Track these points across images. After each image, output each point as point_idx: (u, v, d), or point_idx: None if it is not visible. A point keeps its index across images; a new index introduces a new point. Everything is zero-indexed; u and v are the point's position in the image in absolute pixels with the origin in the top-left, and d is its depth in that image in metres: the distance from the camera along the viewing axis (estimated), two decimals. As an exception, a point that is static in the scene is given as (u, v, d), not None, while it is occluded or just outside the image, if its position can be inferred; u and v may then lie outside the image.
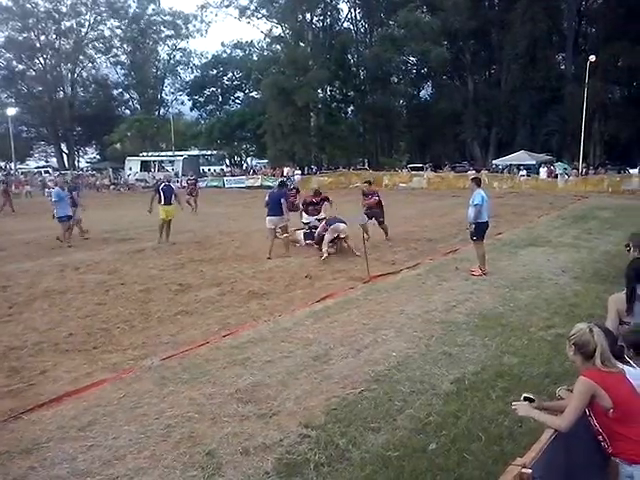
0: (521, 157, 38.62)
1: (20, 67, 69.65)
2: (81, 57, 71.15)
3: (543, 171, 34.20)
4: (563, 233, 14.55)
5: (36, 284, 9.88)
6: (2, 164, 68.43)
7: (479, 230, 9.77)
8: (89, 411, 4.85)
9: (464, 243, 12.62)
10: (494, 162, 41.98)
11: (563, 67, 49.07)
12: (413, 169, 41.66)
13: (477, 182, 10.22)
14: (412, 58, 53.20)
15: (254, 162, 66.06)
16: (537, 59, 45.03)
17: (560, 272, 9.84)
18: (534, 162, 37.45)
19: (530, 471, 2.35)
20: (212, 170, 52.12)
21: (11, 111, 58.82)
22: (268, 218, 12.15)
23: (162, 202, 13.62)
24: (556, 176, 33.09)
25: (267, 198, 12.52)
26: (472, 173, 29.63)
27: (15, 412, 4.86)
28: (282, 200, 12.16)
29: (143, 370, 5.72)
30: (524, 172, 34.98)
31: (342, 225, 11.72)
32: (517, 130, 47.37)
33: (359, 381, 5.29)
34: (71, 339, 6.85)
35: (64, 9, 68.90)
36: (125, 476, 3.88)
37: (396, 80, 54.92)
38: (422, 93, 58.05)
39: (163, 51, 73.77)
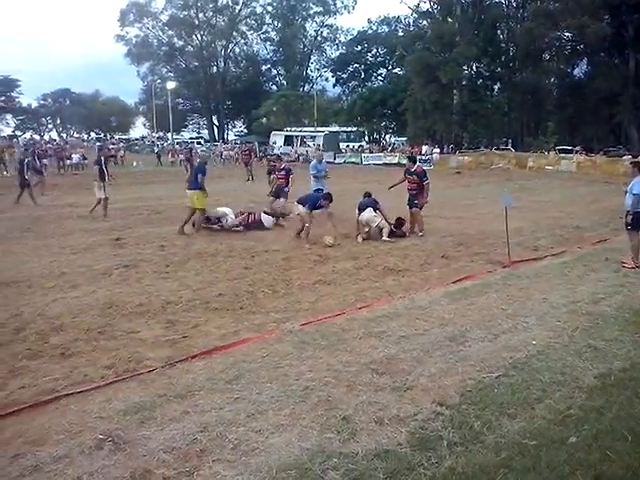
0: (688, 142, 34.93)
1: (180, 43, 74.69)
2: (234, 33, 74.66)
3: None
4: None
5: (189, 245, 10.73)
6: (161, 133, 74.18)
7: (637, 219, 9.05)
8: (235, 366, 5.20)
9: (615, 233, 11.78)
10: (655, 147, 38.38)
11: None
12: (561, 151, 39.20)
13: (638, 167, 9.40)
14: (567, 33, 49.51)
15: (393, 139, 65.76)
16: None
17: None
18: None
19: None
20: (351, 146, 52.56)
21: (170, 85, 63.34)
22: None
23: None
24: None
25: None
26: (628, 158, 27.32)
27: (172, 360, 5.35)
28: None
29: (284, 333, 6.02)
30: (691, 159, 31.62)
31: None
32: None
33: (496, 366, 5.19)
34: (220, 298, 7.36)
35: (222, -13, 72.52)
36: (267, 430, 4.12)
37: (548, 57, 51.78)
38: (576, 71, 54.02)
39: (311, 27, 75.56)
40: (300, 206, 11.40)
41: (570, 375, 5.01)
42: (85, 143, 68.21)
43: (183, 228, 12.11)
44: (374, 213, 11.68)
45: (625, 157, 31.56)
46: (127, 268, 8.98)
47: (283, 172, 14.73)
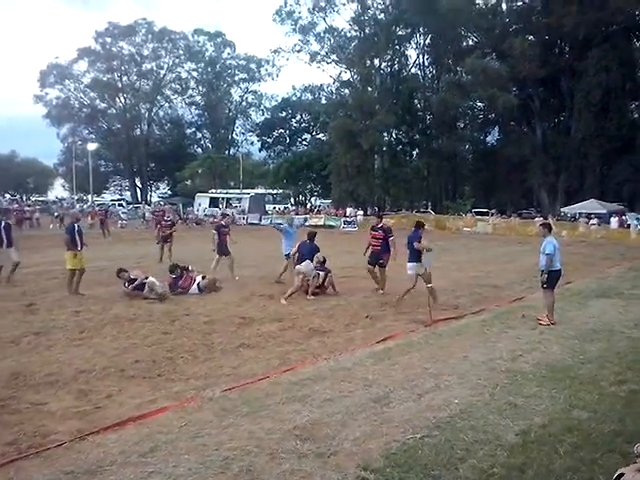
0: (591, 206, 37.57)
1: (102, 105, 74.03)
2: (159, 97, 74.96)
3: (614, 221, 33.05)
4: (636, 285, 13.88)
5: (106, 310, 10.27)
6: (82, 195, 72.30)
7: (551, 278, 9.50)
8: (151, 437, 4.93)
9: (531, 291, 12.30)
10: (563, 210, 40.95)
11: (636, 116, 47.80)
12: (477, 214, 41.13)
13: (548, 228, 9.98)
14: (479, 103, 53.29)
15: (318, 202, 66.96)
16: (610, 107, 44.02)
17: (633, 325, 9.38)
18: (605, 211, 36.32)
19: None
20: (277, 208, 53.06)
21: (92, 146, 62.26)
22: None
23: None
24: (628, 226, 31.90)
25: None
26: (539, 220, 28.99)
27: (82, 433, 5.00)
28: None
29: (204, 400, 5.79)
30: (595, 221, 33.86)
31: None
32: (586, 178, 46.18)
33: (420, 426, 5.17)
34: (137, 365, 7.04)
35: (146, 52, 73.44)
36: (183, 505, 3.91)
37: (462, 125, 55.09)
38: (489, 138, 57.89)
39: (236, 93, 77.02)
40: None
41: (492, 433, 5.05)
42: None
43: (76, 290, 11.91)
44: (311, 266, 11.76)
45: (537, 219, 33.48)
46: (37, 335, 8.46)
47: (227, 229, 14.95)
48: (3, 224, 13.46)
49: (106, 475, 4.30)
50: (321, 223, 39.59)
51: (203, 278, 12.35)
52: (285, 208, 54.19)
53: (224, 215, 18.83)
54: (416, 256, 10.92)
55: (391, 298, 11.58)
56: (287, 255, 13.35)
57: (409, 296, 11.48)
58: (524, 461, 4.53)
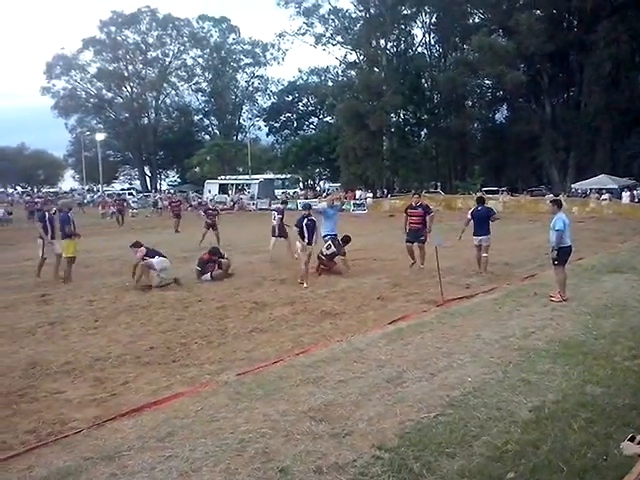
0: (602, 181, 37.18)
1: (109, 95, 74.28)
2: (165, 85, 74.90)
3: (626, 195, 32.71)
4: (649, 260, 13.78)
5: (120, 299, 10.37)
6: (92, 186, 72.71)
7: (562, 255, 9.45)
8: (167, 422, 4.98)
9: (542, 268, 12.25)
10: (573, 186, 40.56)
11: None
12: (488, 193, 40.84)
13: (558, 204, 9.91)
14: (487, 81, 52.55)
15: (327, 185, 66.81)
16: (620, 80, 43.37)
17: (647, 300, 9.33)
18: (616, 186, 35.94)
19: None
20: (286, 193, 53.02)
21: (100, 136, 62.45)
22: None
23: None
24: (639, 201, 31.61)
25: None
26: (550, 197, 28.78)
27: (99, 420, 5.07)
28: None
29: (219, 385, 5.85)
30: (607, 196, 33.52)
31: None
32: (597, 153, 45.64)
33: (433, 405, 5.19)
34: (152, 352, 7.12)
35: (151, 40, 73.34)
36: (200, 488, 3.95)
37: (471, 103, 54.48)
38: (497, 116, 57.24)
39: (242, 78, 76.87)
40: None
41: (506, 410, 5.06)
42: (9, 198, 65.88)
43: (67, 278, 12.19)
44: (300, 243, 11.88)
45: (547, 196, 33.21)
46: (53, 325, 8.57)
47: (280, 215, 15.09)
48: (47, 216, 13.44)
49: (124, 460, 4.35)
50: (331, 206, 39.50)
51: (219, 267, 12.34)
52: (294, 192, 54.10)
53: (284, 202, 18.67)
54: (486, 229, 12.09)
55: (400, 280, 11.62)
56: (332, 236, 12.80)
57: (418, 277, 11.53)
58: (538, 437, 4.53)
